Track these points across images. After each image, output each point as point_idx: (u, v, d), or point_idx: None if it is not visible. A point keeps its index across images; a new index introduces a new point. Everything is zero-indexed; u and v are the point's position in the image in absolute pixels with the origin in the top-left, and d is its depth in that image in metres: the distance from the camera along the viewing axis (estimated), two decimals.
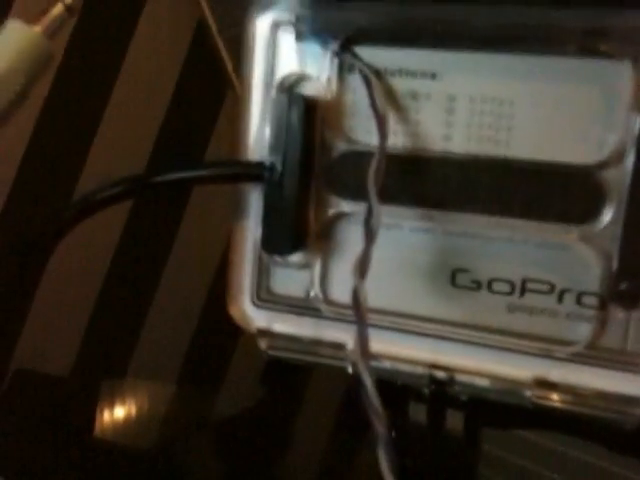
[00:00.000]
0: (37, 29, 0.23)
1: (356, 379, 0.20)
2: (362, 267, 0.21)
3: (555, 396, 0.24)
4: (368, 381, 0.19)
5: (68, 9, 0.24)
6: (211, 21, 1.37)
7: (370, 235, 0.22)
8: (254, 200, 0.27)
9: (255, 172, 0.26)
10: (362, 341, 0.20)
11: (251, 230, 0.27)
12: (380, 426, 0.19)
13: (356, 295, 0.21)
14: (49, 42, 0.23)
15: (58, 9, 0.24)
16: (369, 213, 0.22)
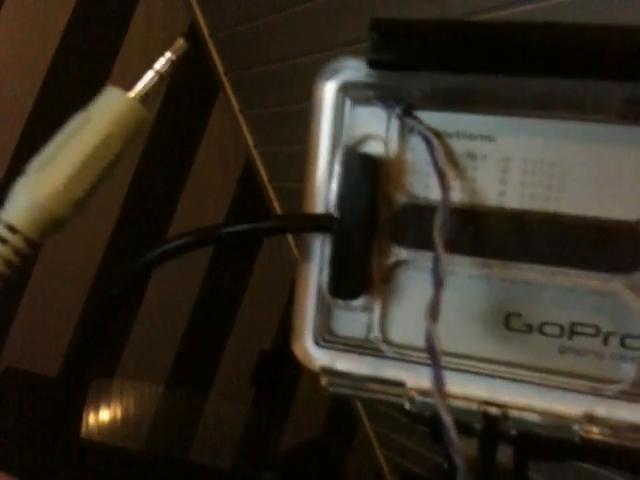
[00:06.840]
0: (132, 95, 0.26)
1: (435, 418, 0.22)
2: (433, 312, 0.24)
3: (601, 430, 0.26)
4: (447, 420, 0.22)
5: (160, 76, 0.26)
6: (203, 24, 1.38)
7: (438, 282, 0.24)
8: (318, 248, 0.29)
9: (324, 224, 0.28)
10: (439, 383, 0.22)
11: (315, 275, 0.29)
12: (460, 460, 0.21)
13: (430, 338, 0.23)
14: (144, 108, 0.26)
15: (151, 76, 0.26)
16: (436, 262, 0.25)
